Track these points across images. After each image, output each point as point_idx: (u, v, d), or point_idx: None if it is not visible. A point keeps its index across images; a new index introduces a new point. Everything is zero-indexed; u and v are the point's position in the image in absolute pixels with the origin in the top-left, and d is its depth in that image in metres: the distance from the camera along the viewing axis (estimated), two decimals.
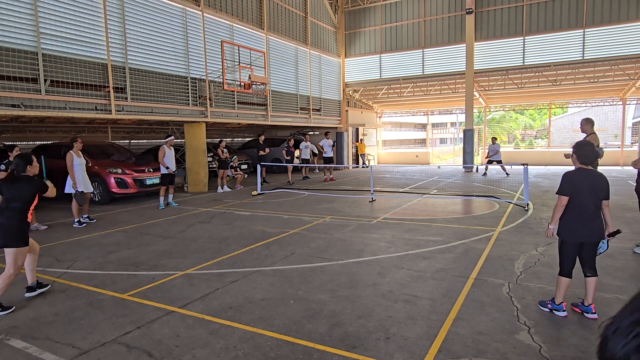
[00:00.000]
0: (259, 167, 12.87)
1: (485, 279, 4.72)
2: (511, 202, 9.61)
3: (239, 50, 13.34)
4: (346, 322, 3.71)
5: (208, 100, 12.85)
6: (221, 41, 12.75)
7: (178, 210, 9.83)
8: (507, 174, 15.56)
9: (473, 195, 10.90)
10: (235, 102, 14.20)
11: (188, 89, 12.27)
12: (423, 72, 19.22)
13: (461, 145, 19.85)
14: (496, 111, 29.67)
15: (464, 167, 18.12)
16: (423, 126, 38.09)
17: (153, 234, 7.42)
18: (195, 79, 12.50)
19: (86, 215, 8.67)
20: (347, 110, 21.31)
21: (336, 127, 20.97)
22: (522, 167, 9.62)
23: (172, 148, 10.47)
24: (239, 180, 13.98)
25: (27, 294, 4.54)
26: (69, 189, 8.31)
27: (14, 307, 4.18)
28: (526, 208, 8.82)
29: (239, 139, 23.95)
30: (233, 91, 13.64)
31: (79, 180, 8.34)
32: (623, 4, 15.29)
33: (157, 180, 11.15)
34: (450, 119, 42.34)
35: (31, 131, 15.08)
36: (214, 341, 3.43)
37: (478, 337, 3.38)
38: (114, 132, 17.43)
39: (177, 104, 11.99)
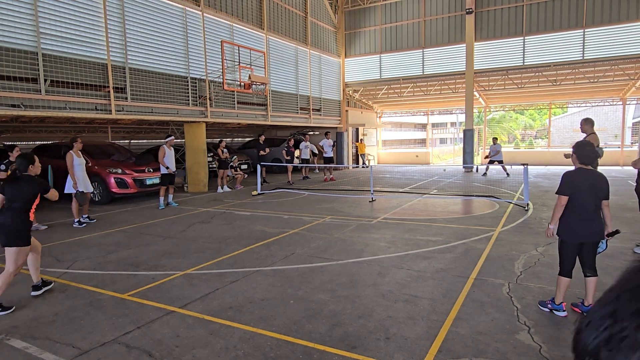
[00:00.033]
0: (259, 167, 12.87)
1: (485, 279, 4.72)
2: (511, 202, 9.61)
3: (239, 50, 13.34)
4: (346, 322, 3.71)
5: (208, 100, 12.85)
6: (221, 41, 12.75)
7: (178, 210, 9.83)
8: (507, 174, 15.56)
9: (473, 195, 10.90)
10: (235, 102, 14.20)
11: (188, 89, 12.27)
12: (423, 72, 19.22)
13: (461, 145, 19.85)
14: (496, 111, 29.68)
15: (464, 167, 18.12)
16: (423, 126, 38.09)
17: (153, 234, 7.42)
18: (195, 79, 12.50)
19: (86, 215, 8.68)
20: (347, 110, 21.31)
21: (336, 127, 20.96)
22: (522, 167, 9.62)
23: (172, 148, 10.47)
24: (239, 180, 13.99)
25: (33, 293, 4.58)
26: (69, 189, 8.31)
27: (14, 307, 4.18)
28: (526, 208, 8.82)
29: (239, 139, 23.95)
30: (233, 91, 13.64)
31: (79, 180, 8.35)
32: (623, 4, 15.29)
33: (157, 180, 11.15)
34: (450, 119, 42.34)
35: (31, 131, 15.08)
36: (214, 341, 3.43)
37: (478, 337, 3.38)
38: (114, 132, 17.43)
39: (177, 104, 11.99)
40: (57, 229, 8.09)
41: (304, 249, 6.15)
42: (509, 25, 17.20)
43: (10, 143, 9.04)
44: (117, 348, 3.35)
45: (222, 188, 12.88)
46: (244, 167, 16.83)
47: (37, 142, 14.96)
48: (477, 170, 17.88)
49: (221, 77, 12.70)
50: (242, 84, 13.25)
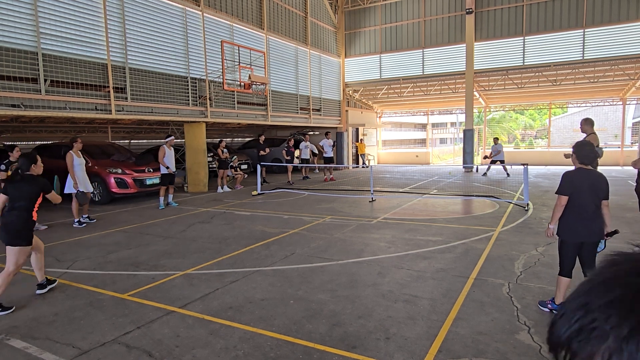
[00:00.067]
0: (259, 167, 12.87)
1: (485, 279, 4.72)
2: (511, 202, 9.61)
3: (239, 50, 13.34)
4: (346, 322, 3.71)
5: (208, 100, 12.85)
6: (221, 41, 12.75)
7: (178, 210, 9.83)
8: (507, 174, 15.57)
9: (473, 195, 10.90)
10: (235, 102, 14.20)
11: (188, 89, 12.27)
12: (423, 72, 19.21)
13: (461, 145, 19.85)
14: (496, 111, 29.68)
15: (464, 167, 18.12)
16: (423, 126, 38.09)
17: (153, 234, 7.42)
18: (195, 79, 12.50)
19: (86, 215, 8.68)
20: (347, 110, 21.31)
21: (336, 127, 20.97)
22: (522, 167, 9.62)
23: (172, 148, 10.47)
24: (239, 180, 13.99)
25: (38, 291, 4.62)
26: (69, 188, 8.32)
27: (14, 307, 4.19)
28: (526, 208, 8.82)
29: (239, 139, 23.95)
30: (233, 91, 13.64)
31: (79, 180, 8.35)
32: (623, 4, 15.29)
33: (157, 180, 11.14)
34: (450, 119, 42.33)
35: (31, 131, 15.08)
36: (214, 341, 3.43)
37: (478, 337, 3.38)
38: (114, 132, 17.43)
39: (177, 104, 11.99)
40: (57, 229, 8.09)
41: (304, 249, 6.15)
42: (509, 25, 17.20)
43: (10, 143, 9.05)
44: (117, 348, 3.35)
45: (222, 188, 12.88)
46: (244, 167, 16.82)
47: (37, 142, 14.97)
48: (477, 170, 17.88)
49: (221, 77, 12.70)
50: (242, 84, 13.25)
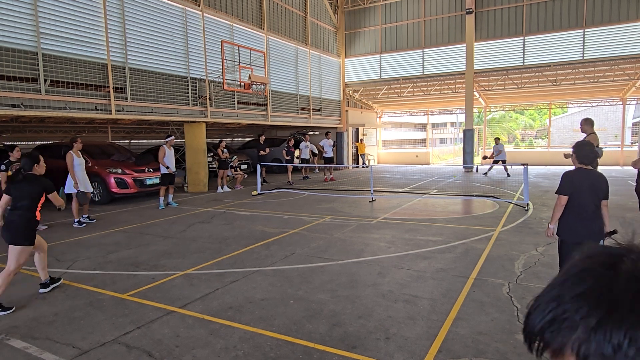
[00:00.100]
0: (259, 167, 12.87)
1: (485, 279, 4.72)
2: (511, 202, 9.61)
3: (239, 50, 13.34)
4: (346, 322, 3.71)
5: (208, 100, 12.85)
6: (221, 41, 12.75)
7: (178, 210, 9.83)
8: (507, 174, 15.60)
9: (473, 195, 10.90)
10: (235, 102, 14.20)
11: (188, 89, 12.27)
12: (423, 72, 19.21)
13: (461, 145, 19.85)
14: (496, 111, 29.68)
15: (464, 167, 18.12)
16: (423, 126, 38.08)
17: (153, 234, 7.42)
18: (195, 79, 12.50)
19: (86, 215, 8.68)
20: (347, 110, 21.31)
21: (336, 127, 20.97)
22: (522, 167, 9.62)
23: (172, 148, 10.48)
24: (239, 180, 13.99)
25: (42, 290, 4.64)
26: (69, 188, 8.32)
27: (14, 308, 4.19)
28: (526, 208, 8.82)
29: (239, 139, 23.95)
30: (233, 91, 13.64)
31: (79, 180, 8.35)
32: (623, 4, 15.29)
33: (157, 180, 11.14)
34: (450, 119, 42.33)
35: (31, 131, 15.09)
36: (214, 341, 3.43)
37: (478, 337, 3.38)
38: (114, 132, 17.43)
39: (177, 104, 12.00)
40: (57, 229, 8.09)
41: (304, 249, 6.15)
42: (509, 25, 17.20)
43: (10, 143, 9.05)
44: (117, 348, 3.35)
45: (222, 188, 12.88)
46: (244, 167, 16.82)
47: (37, 142, 14.97)
48: (477, 170, 17.89)
49: (221, 77, 12.70)
50: (242, 84, 13.25)
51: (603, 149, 7.50)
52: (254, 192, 12.18)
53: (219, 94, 13.19)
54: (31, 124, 13.29)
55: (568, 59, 16.39)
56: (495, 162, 15.56)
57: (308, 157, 15.87)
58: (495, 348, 3.21)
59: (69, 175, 8.30)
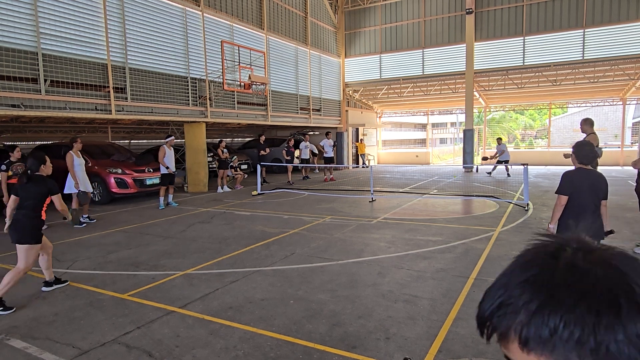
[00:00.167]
0: (259, 167, 12.87)
1: (486, 279, 4.72)
2: (511, 202, 9.61)
3: (239, 50, 13.34)
4: (346, 322, 3.71)
5: (208, 100, 12.85)
6: (221, 41, 12.75)
7: (178, 210, 9.83)
8: (508, 174, 15.63)
9: (473, 195, 10.90)
10: (235, 102, 14.20)
11: (188, 89, 12.27)
12: (423, 72, 19.21)
13: (461, 145, 19.86)
14: (496, 111, 29.68)
15: (464, 167, 18.12)
16: (423, 126, 38.08)
17: (153, 234, 7.42)
18: (195, 79, 12.50)
19: (86, 215, 8.68)
20: (347, 110, 21.31)
21: (336, 127, 20.97)
22: (522, 167, 9.63)
23: (172, 148, 10.48)
24: (239, 180, 13.99)
25: (44, 288, 4.69)
26: (69, 188, 8.31)
27: (14, 308, 4.19)
28: (526, 208, 8.82)
29: (239, 139, 23.96)
30: (233, 91, 13.64)
31: (79, 180, 8.35)
32: (623, 4, 15.29)
33: (157, 180, 11.15)
34: (450, 119, 42.32)
35: (31, 131, 15.08)
36: (214, 341, 3.43)
37: (478, 337, 3.35)
38: (114, 132, 17.43)
39: (177, 104, 12.00)
40: (57, 229, 8.09)
41: (304, 249, 6.15)
42: (509, 25, 17.20)
43: (10, 143, 9.05)
44: (117, 348, 3.35)
45: (222, 188, 12.88)
46: (244, 167, 16.83)
47: (37, 142, 14.97)
48: (477, 170, 17.89)
49: (221, 77, 12.70)
50: (242, 84, 13.25)
51: (603, 149, 7.50)
52: (254, 192, 12.18)
53: (219, 94, 13.19)
54: (31, 124, 13.29)
55: (568, 59, 16.39)
56: (499, 162, 15.59)
57: (308, 157, 15.88)
58: (496, 348, 3.18)
59: (69, 175, 8.30)
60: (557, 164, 19.18)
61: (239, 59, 13.24)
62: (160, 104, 11.42)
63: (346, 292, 4.42)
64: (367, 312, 3.90)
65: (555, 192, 3.77)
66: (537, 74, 17.62)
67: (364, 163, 21.43)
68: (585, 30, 15.94)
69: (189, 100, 12.30)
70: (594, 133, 6.90)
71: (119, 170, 10.92)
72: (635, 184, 5.94)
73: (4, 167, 7.62)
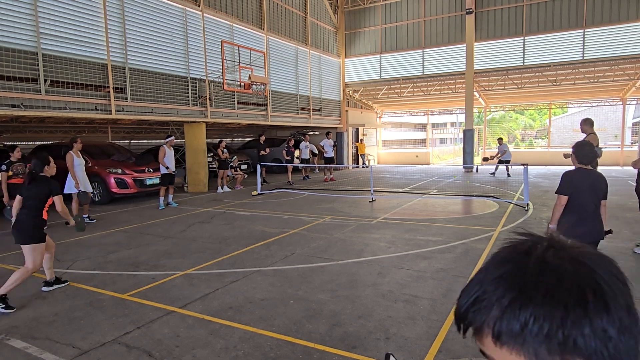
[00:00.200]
0: (259, 167, 12.87)
1: None
2: (511, 202, 9.61)
3: (239, 50, 13.35)
4: (346, 322, 3.71)
5: (208, 100, 12.85)
6: (221, 41, 12.75)
7: (178, 210, 9.83)
8: (508, 174, 15.64)
9: (473, 195, 10.90)
10: (235, 102, 14.20)
11: (188, 89, 12.28)
12: (423, 72, 19.22)
13: (461, 145, 19.86)
14: (496, 111, 29.68)
15: (464, 167, 18.12)
16: (423, 126, 38.07)
17: (153, 234, 7.42)
18: (195, 79, 12.51)
19: (86, 215, 8.67)
20: (347, 111, 21.31)
21: (336, 127, 20.97)
22: (522, 167, 9.63)
23: (172, 148, 10.48)
24: (239, 180, 13.99)
25: (44, 288, 4.69)
26: (70, 188, 8.32)
27: (15, 309, 4.20)
28: (526, 208, 8.82)
29: (239, 139, 23.96)
30: (233, 91, 13.64)
31: (79, 180, 8.35)
32: (623, 4, 15.29)
33: (157, 181, 11.15)
34: (450, 119, 42.32)
35: (31, 131, 15.08)
36: (214, 341, 3.43)
37: None
38: (114, 132, 17.44)
39: (177, 104, 12.00)
40: (57, 229, 8.08)
41: (304, 249, 6.15)
42: (509, 25, 17.20)
43: (11, 143, 9.05)
44: (117, 348, 3.35)
45: (222, 188, 12.88)
46: (244, 167, 16.83)
47: (37, 142, 14.97)
48: (477, 170, 17.89)
49: (221, 77, 12.70)
50: (242, 84, 13.25)
51: (603, 149, 7.50)
52: (254, 192, 12.18)
53: (219, 94, 13.19)
54: (31, 124, 13.29)
55: (568, 59, 16.39)
56: (501, 162, 15.61)
57: (308, 157, 15.88)
58: None
59: (69, 175, 8.30)
60: (557, 164, 19.18)
61: (239, 59, 13.24)
62: (160, 104, 11.42)
63: (346, 292, 4.42)
64: (367, 312, 3.90)
65: (555, 192, 3.77)
66: (537, 74, 17.62)
67: (364, 163, 21.43)
68: (585, 30, 15.94)
69: (189, 100, 12.30)
70: (594, 133, 6.90)
71: (119, 171, 10.92)
72: (635, 184, 5.94)
73: (4, 167, 7.62)
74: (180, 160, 13.77)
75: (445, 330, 3.50)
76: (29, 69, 8.55)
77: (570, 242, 0.59)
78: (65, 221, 4.98)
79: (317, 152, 16.75)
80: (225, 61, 12.69)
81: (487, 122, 26.21)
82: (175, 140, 11.09)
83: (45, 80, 8.77)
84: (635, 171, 5.86)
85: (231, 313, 3.95)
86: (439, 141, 47.88)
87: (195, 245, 6.55)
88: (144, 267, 5.47)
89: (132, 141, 19.21)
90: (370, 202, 10.26)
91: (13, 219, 4.48)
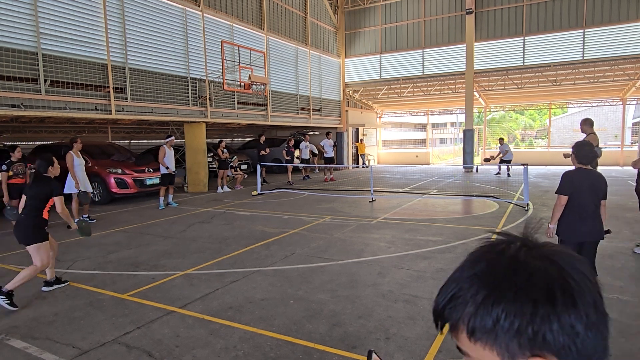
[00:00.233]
0: (259, 167, 12.87)
1: None
2: (511, 202, 9.61)
3: (239, 50, 13.35)
4: (346, 322, 3.71)
5: (208, 100, 12.85)
6: (221, 41, 12.75)
7: (178, 210, 9.83)
8: (508, 174, 15.65)
9: (473, 195, 10.90)
10: (235, 102, 14.20)
11: (188, 89, 12.28)
12: (423, 72, 19.22)
13: (461, 146, 19.86)
14: (496, 111, 29.67)
15: (464, 167, 18.13)
16: (423, 126, 38.07)
17: (153, 234, 7.42)
18: (195, 79, 12.51)
19: (86, 215, 8.68)
20: (347, 111, 21.31)
21: (336, 127, 20.97)
22: (522, 167, 9.63)
23: (172, 148, 10.48)
24: (239, 180, 13.99)
25: (44, 288, 4.70)
26: (70, 188, 8.31)
27: (18, 308, 4.20)
28: (526, 208, 8.82)
29: (239, 139, 23.96)
30: (233, 91, 13.64)
31: (79, 180, 8.35)
32: (623, 4, 15.29)
33: (157, 181, 11.15)
34: (450, 119, 42.31)
35: (31, 131, 15.08)
36: (214, 341, 3.43)
37: None
38: (114, 132, 17.44)
39: (177, 104, 12.00)
40: (57, 229, 8.08)
41: (304, 249, 6.15)
42: (509, 25, 17.20)
43: (11, 143, 9.05)
44: (117, 348, 3.35)
45: (222, 188, 12.88)
46: (244, 167, 16.83)
47: (37, 142, 14.97)
48: (477, 171, 17.90)
49: (221, 77, 12.70)
50: (242, 84, 13.25)
51: (602, 149, 7.50)
52: (254, 192, 12.18)
53: (219, 94, 13.19)
54: (31, 124, 13.29)
55: (568, 59, 16.39)
56: (502, 161, 15.63)
57: (308, 157, 15.87)
58: None
59: (69, 176, 8.30)
60: (557, 164, 19.17)
61: (239, 59, 13.24)
62: (160, 104, 11.43)
63: (346, 292, 4.42)
64: (367, 312, 3.90)
65: (555, 192, 3.77)
66: (537, 74, 17.62)
67: (364, 163, 21.43)
68: (585, 30, 15.94)
69: (189, 101, 12.30)
70: (594, 133, 6.90)
71: (119, 171, 10.92)
72: (635, 184, 5.94)
73: (4, 167, 7.62)
74: (180, 160, 13.77)
75: (446, 331, 3.50)
76: (29, 69, 8.55)
77: (544, 242, 0.62)
78: (67, 225, 5.00)
79: (317, 152, 16.75)
80: (225, 61, 12.69)
81: (487, 122, 26.21)
82: (175, 140, 11.09)
83: (45, 80, 8.77)
84: (635, 171, 5.86)
85: (231, 313, 3.95)
86: (439, 141, 47.88)
87: (195, 245, 6.55)
88: (144, 267, 5.47)
89: (132, 141, 19.21)
90: (370, 202, 10.26)
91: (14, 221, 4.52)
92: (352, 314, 3.88)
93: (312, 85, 18.79)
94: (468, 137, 17.93)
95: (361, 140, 22.43)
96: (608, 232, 3.84)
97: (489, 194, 10.99)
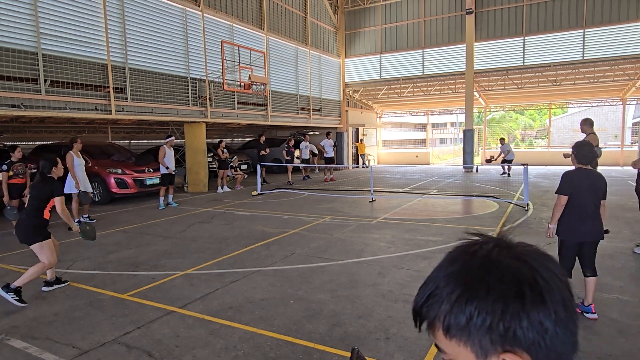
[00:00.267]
0: (259, 167, 12.87)
1: None
2: (511, 202, 9.61)
3: (239, 50, 13.35)
4: (346, 322, 3.71)
5: (208, 100, 12.85)
6: (221, 41, 12.75)
7: (178, 210, 9.83)
8: (508, 174, 15.66)
9: (473, 196, 10.90)
10: (235, 102, 14.20)
11: (188, 89, 12.28)
12: (423, 72, 19.22)
13: (461, 146, 19.86)
14: (496, 111, 29.67)
15: (464, 167, 18.12)
16: (423, 126, 38.07)
17: (153, 234, 7.42)
18: (195, 79, 12.51)
19: (86, 215, 8.68)
20: (347, 111, 21.31)
21: (336, 127, 20.97)
22: (522, 167, 9.63)
23: (172, 148, 10.48)
24: (239, 181, 13.99)
25: (44, 288, 4.70)
26: (70, 189, 8.31)
27: (26, 304, 4.22)
28: (526, 208, 8.82)
29: (239, 139, 23.96)
30: (233, 91, 13.64)
31: (79, 180, 8.35)
32: (623, 4, 15.29)
33: (157, 181, 11.15)
34: (450, 119, 42.31)
35: (31, 131, 15.09)
36: (214, 341, 3.43)
37: None
38: (114, 132, 17.44)
39: (177, 104, 12.00)
40: (57, 229, 8.07)
41: (304, 249, 6.15)
42: (509, 25, 17.20)
43: (11, 143, 9.05)
44: (117, 348, 3.35)
45: (222, 188, 12.88)
46: (244, 167, 16.83)
47: (37, 142, 14.97)
48: (477, 171, 17.90)
49: (221, 77, 12.70)
50: (242, 84, 13.25)
51: (602, 149, 7.50)
52: (254, 192, 12.18)
53: (219, 94, 13.19)
54: (31, 124, 13.29)
55: (568, 59, 16.39)
56: (504, 161, 15.64)
57: (308, 157, 15.87)
58: None
59: (69, 176, 8.30)
60: (557, 164, 19.17)
61: (239, 59, 13.24)
62: (160, 104, 11.43)
63: (346, 292, 4.42)
64: (367, 312, 3.90)
65: (555, 192, 3.77)
66: (537, 74, 17.62)
67: (364, 163, 21.43)
68: (585, 30, 15.94)
69: (189, 101, 12.30)
70: (594, 133, 6.91)
71: (119, 171, 10.92)
72: (635, 184, 5.94)
73: (5, 167, 7.62)
74: (180, 160, 13.77)
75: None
76: (29, 69, 8.55)
77: (517, 242, 0.63)
78: (68, 227, 5.00)
79: (317, 152, 16.75)
80: (225, 61, 12.69)
81: (487, 122, 26.21)
82: (175, 140, 11.09)
83: (45, 80, 8.77)
84: (635, 171, 5.86)
85: (231, 313, 3.96)
86: (439, 141, 47.87)
87: (195, 245, 6.55)
88: (144, 267, 5.47)
89: (132, 141, 19.21)
90: (370, 202, 10.26)
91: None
92: (352, 314, 3.88)
93: (312, 85, 18.79)
94: (468, 137, 17.93)
95: (361, 140, 22.43)
96: (607, 232, 3.84)
97: (489, 194, 10.99)
